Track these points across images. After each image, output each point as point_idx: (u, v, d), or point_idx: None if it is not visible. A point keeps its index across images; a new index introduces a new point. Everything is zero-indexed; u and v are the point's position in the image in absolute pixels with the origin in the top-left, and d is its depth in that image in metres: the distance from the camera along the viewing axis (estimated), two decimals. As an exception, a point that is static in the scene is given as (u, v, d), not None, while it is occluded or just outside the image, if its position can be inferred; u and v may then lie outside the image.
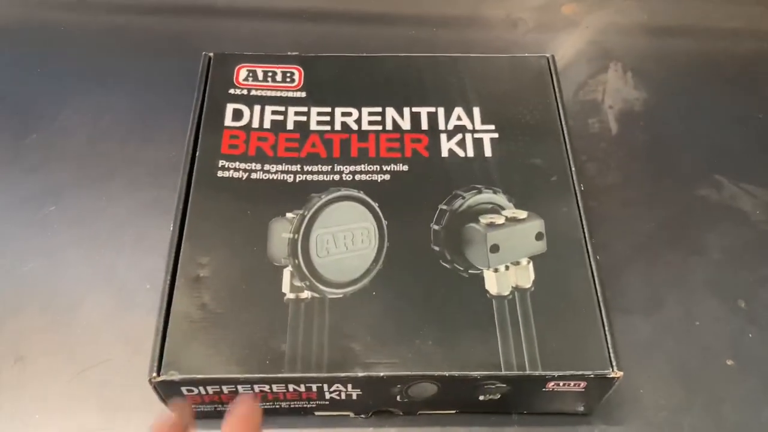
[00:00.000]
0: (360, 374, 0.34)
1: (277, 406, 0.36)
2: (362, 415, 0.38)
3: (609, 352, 0.34)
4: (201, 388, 0.34)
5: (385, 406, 0.37)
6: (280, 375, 0.34)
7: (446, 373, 0.34)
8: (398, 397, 0.36)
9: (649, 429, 0.38)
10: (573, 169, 0.41)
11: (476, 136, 0.43)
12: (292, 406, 0.37)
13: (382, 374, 0.34)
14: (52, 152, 0.49)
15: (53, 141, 0.49)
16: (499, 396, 0.36)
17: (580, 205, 0.40)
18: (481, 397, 0.36)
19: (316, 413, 0.38)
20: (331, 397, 0.36)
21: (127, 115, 0.51)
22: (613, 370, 0.34)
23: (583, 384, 0.35)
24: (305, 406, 0.37)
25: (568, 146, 0.42)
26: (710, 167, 0.50)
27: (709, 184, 0.49)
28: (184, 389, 0.34)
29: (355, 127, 0.43)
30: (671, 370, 0.41)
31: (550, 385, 0.35)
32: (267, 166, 0.41)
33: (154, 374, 0.33)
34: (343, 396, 0.36)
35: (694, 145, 0.51)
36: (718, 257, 0.46)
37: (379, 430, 0.38)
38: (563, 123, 0.43)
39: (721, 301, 0.43)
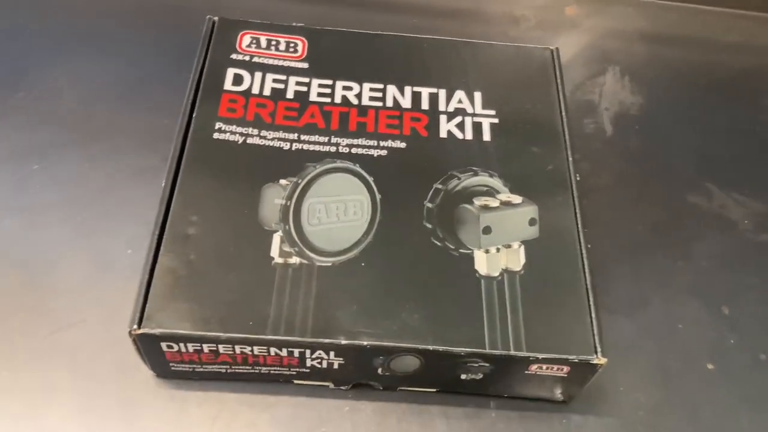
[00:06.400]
0: (343, 342, 0.33)
1: (257, 371, 0.36)
2: (342, 387, 0.37)
3: (594, 339, 0.34)
4: (181, 345, 0.34)
5: (366, 380, 0.37)
6: (262, 337, 0.33)
7: (430, 347, 0.34)
8: (380, 370, 0.35)
9: (625, 426, 0.38)
10: (570, 160, 0.41)
11: (476, 119, 0.43)
12: (271, 371, 0.36)
13: (365, 343, 0.33)
14: (39, 112, 0.47)
15: (41, 101, 0.48)
16: (480, 376, 0.36)
17: (575, 195, 0.40)
18: (463, 376, 0.36)
19: (296, 381, 0.37)
20: (312, 365, 0.35)
21: (119, 81, 0.50)
22: (597, 357, 0.34)
23: (566, 369, 0.35)
24: (285, 372, 0.36)
25: (567, 138, 0.42)
26: (701, 175, 0.50)
27: (699, 192, 0.49)
28: (164, 345, 0.34)
29: (355, 101, 0.43)
30: (652, 370, 0.41)
31: (533, 368, 0.35)
32: (264, 132, 0.41)
33: (135, 326, 0.33)
34: (324, 364, 0.35)
35: (687, 153, 0.51)
36: (705, 264, 0.46)
37: (357, 403, 0.37)
38: (563, 115, 0.43)
39: (704, 306, 0.44)
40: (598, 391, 0.38)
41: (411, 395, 0.38)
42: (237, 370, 0.36)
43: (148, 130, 0.47)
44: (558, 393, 0.37)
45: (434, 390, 0.38)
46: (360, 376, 0.36)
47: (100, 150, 0.46)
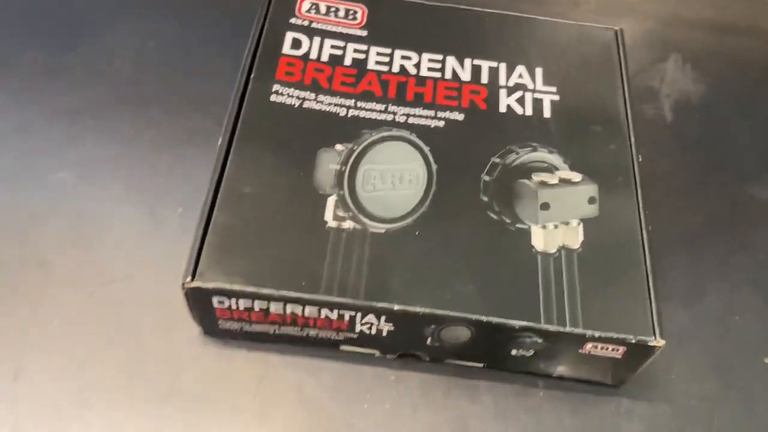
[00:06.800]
0: (396, 307, 0.33)
1: (305, 334, 0.36)
2: (388, 356, 0.37)
3: (653, 321, 0.33)
4: (232, 301, 0.33)
5: (413, 349, 0.36)
6: (315, 297, 0.33)
7: (484, 318, 0.33)
8: (429, 340, 0.35)
9: (677, 414, 0.37)
10: (632, 141, 0.40)
11: (536, 96, 0.42)
12: (319, 335, 0.36)
13: (419, 310, 0.33)
14: (93, 71, 0.48)
15: (96, 61, 0.48)
16: (531, 353, 0.35)
17: (637, 176, 0.39)
18: (514, 352, 0.35)
19: (342, 347, 0.37)
20: (360, 330, 0.35)
21: (174, 45, 0.50)
22: (655, 339, 0.33)
23: (621, 350, 0.34)
24: (332, 337, 0.36)
25: (630, 119, 0.41)
26: (762, 167, 0.49)
27: (759, 183, 0.48)
28: (215, 300, 0.33)
29: (413, 71, 0.42)
30: (705, 360, 0.39)
31: (588, 346, 0.34)
32: (321, 97, 0.40)
33: (188, 279, 0.33)
34: (373, 330, 0.35)
35: (748, 143, 0.50)
36: (763, 257, 0.44)
37: (403, 373, 0.37)
38: (626, 96, 0.42)
39: (762, 299, 0.42)
40: (649, 378, 0.37)
41: (458, 369, 0.37)
42: (285, 332, 0.36)
43: (201, 94, 0.47)
44: (609, 376, 0.36)
45: (481, 365, 0.37)
46: (408, 345, 0.36)
47: (153, 111, 0.46)
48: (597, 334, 0.33)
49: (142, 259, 0.39)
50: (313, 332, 0.35)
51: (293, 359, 0.37)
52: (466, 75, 0.42)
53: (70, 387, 0.35)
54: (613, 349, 0.34)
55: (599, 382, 0.37)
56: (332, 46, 0.43)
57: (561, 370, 0.36)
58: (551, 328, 0.33)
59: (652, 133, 0.50)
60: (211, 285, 0.32)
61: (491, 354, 0.36)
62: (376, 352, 0.37)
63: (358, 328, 0.35)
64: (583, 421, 0.36)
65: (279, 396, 0.36)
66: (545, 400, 0.37)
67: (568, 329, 0.33)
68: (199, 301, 0.34)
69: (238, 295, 0.33)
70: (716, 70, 0.54)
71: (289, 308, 0.34)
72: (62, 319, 0.37)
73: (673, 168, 0.48)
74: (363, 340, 0.36)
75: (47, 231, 0.40)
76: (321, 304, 0.33)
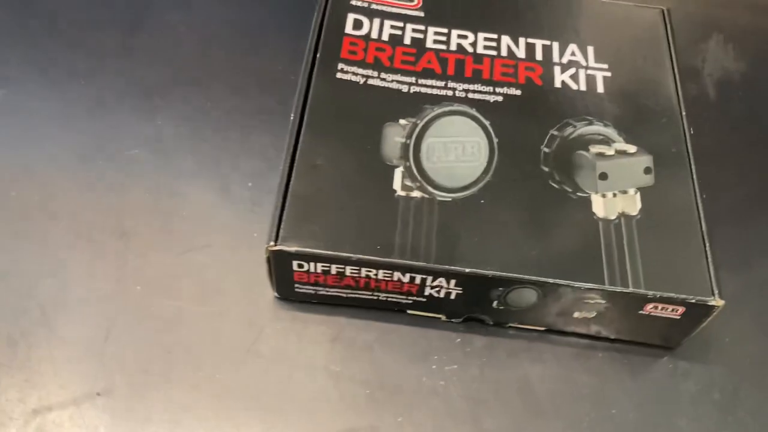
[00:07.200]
0: (467, 270, 0.35)
1: (375, 297, 0.38)
2: (453, 320, 0.39)
3: (711, 282, 0.35)
4: (311, 264, 0.35)
5: (478, 313, 0.38)
6: (390, 260, 0.35)
7: (551, 280, 0.35)
8: (495, 303, 0.37)
9: (732, 375, 0.39)
10: (684, 114, 0.42)
11: (589, 72, 0.43)
12: (389, 299, 0.38)
13: (489, 273, 0.35)
14: (159, 52, 0.49)
15: (161, 42, 0.50)
16: (593, 314, 0.37)
17: (689, 147, 0.40)
18: (576, 314, 0.37)
19: (409, 311, 0.39)
20: (429, 294, 0.37)
21: (236, 27, 0.52)
22: (714, 298, 0.35)
23: (680, 310, 0.35)
24: (402, 300, 0.38)
25: (680, 94, 0.43)
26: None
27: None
28: (295, 263, 0.35)
29: (470, 49, 0.44)
30: (758, 326, 0.41)
31: (648, 307, 0.35)
32: (383, 75, 0.42)
33: (272, 243, 0.34)
34: (441, 294, 0.36)
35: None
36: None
37: (468, 336, 0.39)
38: (675, 73, 0.44)
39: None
40: (703, 341, 0.39)
41: (520, 333, 0.39)
42: (356, 295, 0.37)
43: (264, 74, 0.49)
44: (665, 338, 0.38)
45: (542, 329, 0.39)
46: (474, 309, 0.38)
47: (218, 90, 0.48)
48: (658, 294, 0.35)
49: (217, 229, 0.41)
50: (383, 296, 0.37)
51: (363, 322, 0.39)
52: (521, 53, 0.44)
53: (155, 349, 0.37)
54: (672, 310, 0.35)
55: (655, 345, 0.39)
56: (392, 26, 0.44)
57: (619, 332, 0.38)
58: (615, 288, 0.35)
59: (696, 112, 0.51)
60: (293, 249, 0.34)
61: (554, 317, 0.37)
62: (442, 317, 0.39)
63: (427, 291, 0.36)
64: (642, 381, 0.38)
65: (351, 355, 0.37)
66: (604, 362, 0.38)
67: (630, 289, 0.35)
68: (279, 265, 0.36)
69: (318, 258, 0.35)
70: (758, 49, 0.55)
71: (364, 272, 0.35)
72: (145, 286, 0.39)
73: (716, 144, 0.49)
74: (430, 304, 0.37)
75: (126, 204, 0.42)
76: (395, 268, 0.35)
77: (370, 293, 0.37)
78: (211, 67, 0.49)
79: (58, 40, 0.49)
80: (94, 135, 0.44)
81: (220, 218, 0.42)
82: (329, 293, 0.38)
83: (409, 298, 0.37)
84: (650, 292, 0.35)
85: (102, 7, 0.51)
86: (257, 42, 0.50)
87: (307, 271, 0.36)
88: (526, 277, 0.35)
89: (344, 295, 0.38)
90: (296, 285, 0.37)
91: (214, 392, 0.36)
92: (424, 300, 0.37)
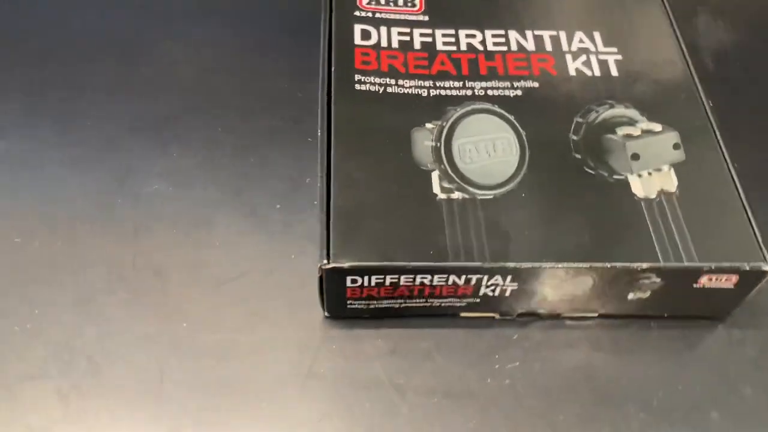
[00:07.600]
0: (525, 265, 0.34)
1: (429, 304, 0.37)
2: (508, 316, 0.38)
3: (761, 247, 0.35)
4: (365, 278, 0.35)
5: (532, 308, 0.38)
6: (446, 264, 0.34)
7: (608, 264, 0.35)
8: (550, 295, 0.36)
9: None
10: (699, 87, 0.42)
11: (600, 57, 0.44)
12: (442, 304, 0.37)
13: (547, 265, 0.34)
14: (162, 82, 0.48)
15: (162, 73, 0.49)
16: (648, 294, 0.37)
17: (711, 118, 0.41)
18: (630, 296, 0.37)
19: (462, 314, 0.38)
20: (484, 294, 0.36)
21: (231, 50, 0.51)
22: (767, 263, 0.35)
23: (734, 279, 0.36)
24: (455, 304, 0.37)
25: (691, 67, 0.43)
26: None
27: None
28: (349, 279, 0.35)
29: (480, 48, 0.44)
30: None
31: (703, 280, 0.36)
32: (401, 81, 0.42)
33: (325, 261, 0.34)
34: (497, 292, 0.36)
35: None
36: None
37: (524, 331, 0.38)
38: (682, 46, 0.45)
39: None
40: (752, 310, 0.39)
41: (574, 320, 0.39)
42: (409, 305, 0.37)
43: (269, 94, 0.48)
44: (717, 309, 0.38)
45: (595, 314, 0.39)
46: (528, 303, 0.38)
47: (227, 115, 0.47)
48: (713, 265, 0.35)
49: (253, 255, 0.40)
50: (437, 302, 0.37)
51: (417, 332, 0.38)
52: (530, 45, 0.44)
53: (213, 385, 0.36)
54: (726, 280, 0.36)
55: (707, 317, 0.39)
56: (399, 33, 0.44)
57: (672, 309, 0.38)
58: (671, 265, 0.35)
59: (705, 85, 0.52)
60: (347, 264, 0.34)
61: (607, 301, 0.38)
62: (496, 315, 0.38)
63: (482, 291, 0.36)
64: (701, 354, 0.38)
65: (412, 366, 0.37)
66: (661, 340, 0.39)
67: (686, 264, 0.35)
68: (332, 283, 0.35)
69: (373, 271, 0.34)
70: (746, 16, 0.57)
71: (419, 279, 0.35)
72: (190, 322, 0.38)
73: (719, 116, 0.50)
74: (484, 303, 0.37)
75: (155, 242, 0.41)
76: (451, 271, 0.35)
77: (424, 300, 0.37)
78: (215, 94, 0.48)
79: (55, 82, 0.47)
80: (111, 175, 0.43)
81: (254, 244, 0.41)
82: (381, 306, 0.37)
83: (464, 300, 0.37)
84: (705, 264, 0.35)
85: (96, 43, 0.50)
86: (257, 63, 0.50)
87: (361, 286, 0.35)
88: (582, 264, 0.35)
89: (397, 306, 0.37)
90: (348, 301, 0.36)
91: (282, 420, 0.35)
92: (478, 301, 0.37)
